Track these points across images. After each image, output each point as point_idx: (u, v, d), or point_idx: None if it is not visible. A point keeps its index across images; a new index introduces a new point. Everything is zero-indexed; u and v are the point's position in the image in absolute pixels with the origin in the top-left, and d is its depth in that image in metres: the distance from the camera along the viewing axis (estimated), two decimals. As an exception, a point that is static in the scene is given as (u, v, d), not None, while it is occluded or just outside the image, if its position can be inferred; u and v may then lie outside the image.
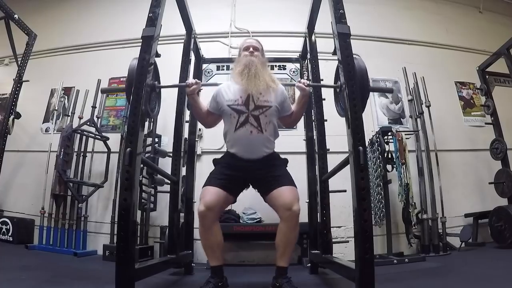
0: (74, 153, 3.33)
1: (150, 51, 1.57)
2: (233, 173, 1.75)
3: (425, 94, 3.48)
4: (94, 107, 3.49)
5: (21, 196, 3.59)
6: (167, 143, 3.28)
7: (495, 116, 3.42)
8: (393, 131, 3.07)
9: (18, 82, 3.33)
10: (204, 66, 2.77)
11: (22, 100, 3.44)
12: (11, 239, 3.17)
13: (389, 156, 3.07)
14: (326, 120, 2.35)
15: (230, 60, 3.13)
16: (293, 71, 2.77)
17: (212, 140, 3.37)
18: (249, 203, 2.94)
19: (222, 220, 2.69)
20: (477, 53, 4.03)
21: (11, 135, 3.34)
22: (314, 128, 2.46)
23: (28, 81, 3.39)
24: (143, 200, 3.07)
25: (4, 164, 3.23)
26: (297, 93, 1.87)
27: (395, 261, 2.60)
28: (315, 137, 2.41)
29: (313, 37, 2.46)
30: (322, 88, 2.38)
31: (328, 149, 2.29)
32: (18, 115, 3.41)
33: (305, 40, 2.58)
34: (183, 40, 2.51)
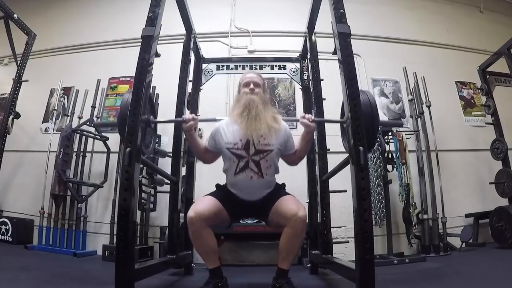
0: (74, 153, 3.33)
1: (150, 50, 1.57)
2: (233, 204, 1.70)
3: (426, 94, 3.47)
4: (93, 107, 3.49)
5: (20, 196, 3.59)
6: (167, 143, 3.27)
7: (496, 116, 3.41)
8: (394, 131, 3.07)
9: (18, 82, 3.32)
10: (204, 66, 2.76)
11: (21, 100, 3.43)
12: (11, 239, 3.16)
13: (390, 156, 3.06)
14: (326, 120, 2.34)
15: (230, 60, 3.14)
16: (293, 71, 2.77)
17: (212, 140, 3.36)
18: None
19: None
20: (478, 53, 4.03)
21: (10, 135, 3.33)
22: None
23: (27, 81, 3.39)
24: (143, 200, 3.07)
25: (4, 164, 3.23)
26: (300, 124, 1.72)
27: (395, 261, 2.60)
28: (315, 137, 2.39)
29: (313, 37, 2.46)
30: (322, 88, 2.38)
31: (328, 149, 2.29)
32: (17, 115, 3.40)
33: (305, 40, 2.57)
34: (183, 40, 2.50)
